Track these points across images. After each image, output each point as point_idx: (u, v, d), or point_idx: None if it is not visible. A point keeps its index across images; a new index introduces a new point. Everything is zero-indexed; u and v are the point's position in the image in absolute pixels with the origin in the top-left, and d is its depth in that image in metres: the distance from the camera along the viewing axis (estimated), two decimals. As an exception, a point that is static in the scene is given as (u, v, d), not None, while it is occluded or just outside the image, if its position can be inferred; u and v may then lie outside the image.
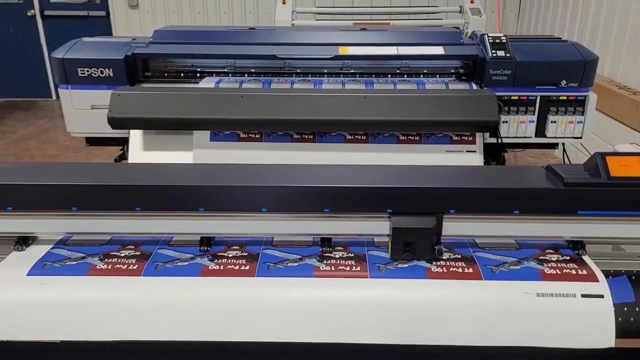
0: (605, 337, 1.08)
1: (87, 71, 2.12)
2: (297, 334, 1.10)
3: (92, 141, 2.32)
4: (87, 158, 4.55)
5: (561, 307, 1.09)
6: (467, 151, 2.07)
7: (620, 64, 3.77)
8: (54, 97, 6.83)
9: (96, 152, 4.20)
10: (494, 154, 2.22)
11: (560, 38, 2.38)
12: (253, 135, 2.06)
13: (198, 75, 2.28)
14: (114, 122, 1.96)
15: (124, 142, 2.25)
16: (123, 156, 2.33)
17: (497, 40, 2.17)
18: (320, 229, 1.23)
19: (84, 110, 2.17)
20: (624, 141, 2.72)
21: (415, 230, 1.18)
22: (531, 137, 2.17)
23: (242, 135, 2.06)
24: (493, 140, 2.13)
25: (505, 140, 2.15)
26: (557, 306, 1.09)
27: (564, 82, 2.11)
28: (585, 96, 2.13)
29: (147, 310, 1.11)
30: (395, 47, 2.22)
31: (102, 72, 2.12)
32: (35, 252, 1.22)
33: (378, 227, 1.21)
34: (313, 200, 1.17)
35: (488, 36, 2.18)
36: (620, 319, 1.08)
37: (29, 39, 6.61)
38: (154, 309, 1.11)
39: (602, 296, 1.10)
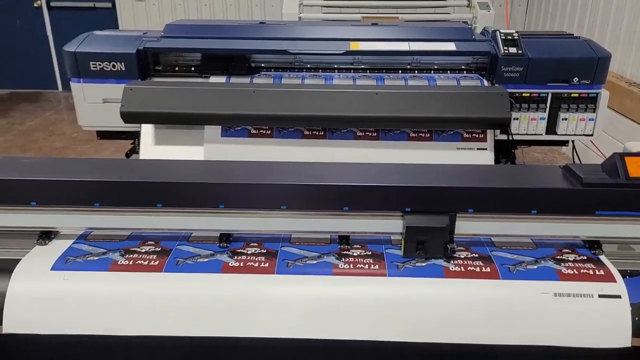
0: (621, 337, 1.08)
1: (99, 65, 2.12)
2: (317, 331, 1.12)
3: (104, 135, 2.32)
4: (94, 150, 4.57)
5: (578, 307, 1.10)
6: (478, 149, 2.07)
7: (630, 60, 3.75)
8: (60, 88, 6.84)
9: (104, 145, 4.20)
10: (505, 150, 2.21)
11: (572, 34, 2.36)
12: (264, 131, 2.07)
13: (209, 69, 2.28)
14: (127, 116, 1.96)
15: (135, 136, 2.26)
16: (134, 150, 2.34)
17: (509, 37, 2.16)
18: (339, 227, 1.24)
19: (95, 104, 2.18)
20: (634, 138, 2.71)
21: (427, 229, 1.18)
22: (542, 135, 2.17)
23: (253, 131, 2.07)
24: (503, 137, 2.13)
25: (515, 137, 2.15)
26: (574, 306, 1.10)
27: (575, 79, 2.10)
28: (597, 93, 2.12)
29: (169, 306, 1.12)
30: (406, 43, 2.21)
31: (114, 66, 2.12)
32: (58, 247, 1.23)
33: (394, 225, 1.22)
34: (332, 199, 1.17)
35: (500, 32, 2.17)
36: (637, 319, 1.08)
37: (35, 31, 6.61)
38: (176, 305, 1.12)
39: (619, 296, 1.10)
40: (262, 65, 2.28)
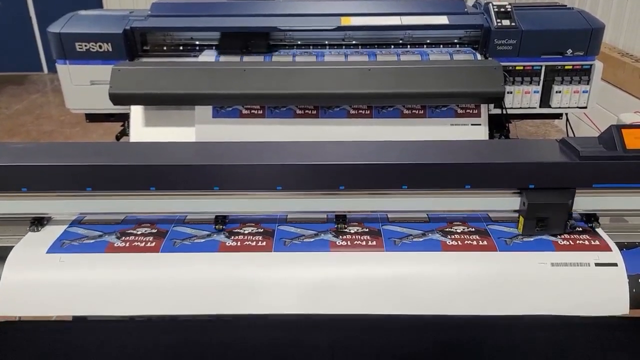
0: (619, 304, 1.09)
1: (85, 46, 2.07)
2: (316, 307, 1.11)
3: (92, 117, 2.28)
4: (83, 133, 4.52)
5: (576, 276, 1.11)
6: (472, 124, 2.06)
7: (622, 31, 3.72)
8: (46, 70, 6.72)
9: (92, 127, 4.17)
10: (499, 125, 2.21)
11: (565, 5, 2.34)
12: (256, 112, 2.04)
13: (197, 48, 2.24)
14: (116, 98, 1.93)
15: (124, 118, 2.22)
16: (124, 132, 2.31)
17: (502, 9, 2.13)
18: (336, 206, 1.23)
19: (83, 86, 2.14)
20: (627, 110, 2.70)
21: (550, 205, 1.17)
22: (536, 108, 2.16)
23: (245, 112, 2.04)
24: (497, 111, 2.12)
25: (509, 111, 2.14)
26: (572, 275, 1.11)
27: (569, 51, 2.09)
28: (591, 65, 2.11)
29: (167, 285, 1.12)
30: (398, 17, 2.18)
31: (100, 47, 2.08)
32: (51, 233, 1.21)
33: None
34: (329, 178, 1.16)
35: (493, 5, 2.14)
36: (634, 290, 1.09)
37: (18, 12, 6.45)
38: (174, 284, 1.12)
39: (615, 264, 1.11)
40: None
